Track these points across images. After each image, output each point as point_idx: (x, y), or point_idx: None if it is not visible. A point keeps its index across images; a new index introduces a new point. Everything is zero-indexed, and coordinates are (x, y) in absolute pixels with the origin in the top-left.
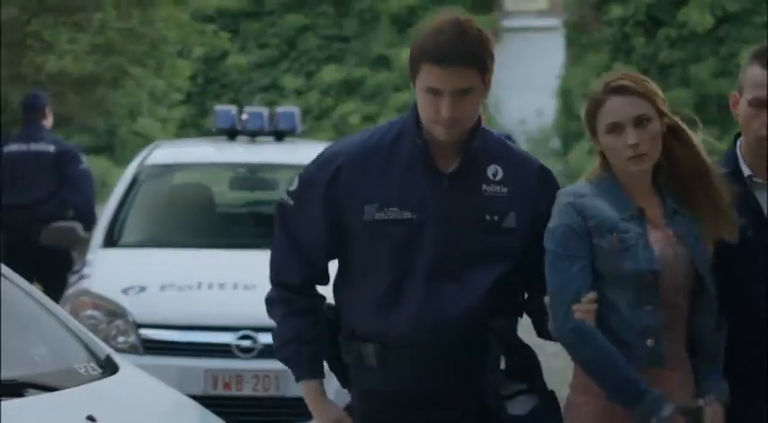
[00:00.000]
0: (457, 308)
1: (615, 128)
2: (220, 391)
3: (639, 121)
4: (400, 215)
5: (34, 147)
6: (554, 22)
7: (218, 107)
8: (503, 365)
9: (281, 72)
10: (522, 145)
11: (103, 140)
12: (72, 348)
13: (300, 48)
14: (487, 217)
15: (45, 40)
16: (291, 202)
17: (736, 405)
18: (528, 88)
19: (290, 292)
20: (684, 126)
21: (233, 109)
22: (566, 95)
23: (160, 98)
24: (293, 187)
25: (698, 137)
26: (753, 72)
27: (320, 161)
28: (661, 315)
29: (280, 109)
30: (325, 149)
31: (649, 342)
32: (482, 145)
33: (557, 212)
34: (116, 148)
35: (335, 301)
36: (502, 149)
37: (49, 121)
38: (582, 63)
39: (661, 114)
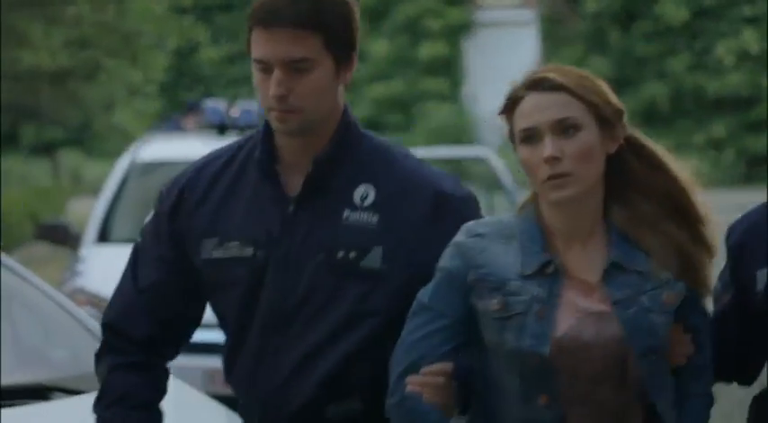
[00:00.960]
0: (286, 385)
1: (531, 136)
2: (218, 389)
3: (563, 128)
4: (240, 252)
5: None
6: (528, 15)
7: (208, 102)
8: None
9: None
10: (499, 139)
11: (76, 134)
12: (92, 350)
13: None
14: (340, 253)
15: (19, 34)
16: (141, 240)
17: None
18: (502, 81)
19: (126, 343)
20: (645, 139)
21: (223, 104)
22: None
23: (137, 90)
24: (147, 220)
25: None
26: None
27: (168, 184)
28: (558, 410)
29: None
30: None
31: None
32: (347, 156)
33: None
34: (90, 142)
35: None
36: (382, 163)
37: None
38: (556, 56)
39: (606, 123)
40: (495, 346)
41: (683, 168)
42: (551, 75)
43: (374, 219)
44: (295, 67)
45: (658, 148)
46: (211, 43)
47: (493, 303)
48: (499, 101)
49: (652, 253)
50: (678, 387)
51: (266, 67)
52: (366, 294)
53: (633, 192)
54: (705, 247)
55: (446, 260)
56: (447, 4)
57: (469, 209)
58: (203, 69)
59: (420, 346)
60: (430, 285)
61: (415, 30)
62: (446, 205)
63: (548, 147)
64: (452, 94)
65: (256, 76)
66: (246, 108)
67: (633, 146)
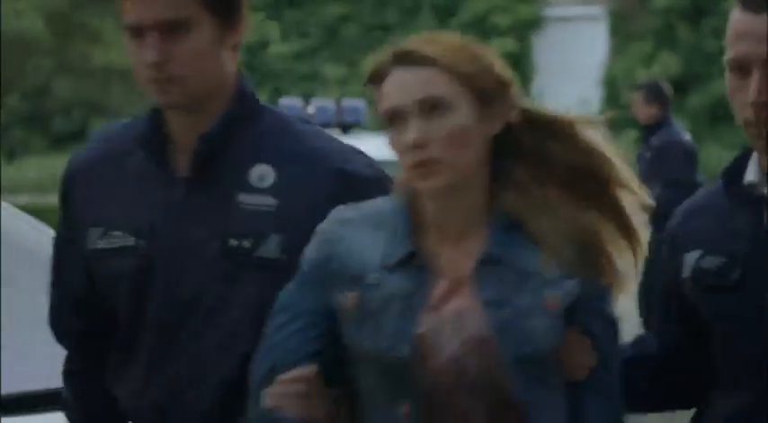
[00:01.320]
0: (182, 393)
1: (396, 118)
2: None
3: (429, 108)
4: (124, 242)
5: None
6: (597, 11)
7: (283, 100)
8: None
9: (322, 61)
10: None
11: None
12: None
13: (342, 37)
14: (233, 241)
15: (91, 31)
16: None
17: None
18: (571, 77)
19: (67, 344)
20: (543, 109)
21: (298, 102)
22: (610, 85)
23: None
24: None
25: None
26: (731, 20)
27: (66, 166)
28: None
29: (346, 102)
30: None
31: None
32: (242, 131)
33: None
34: None
35: None
36: (284, 140)
37: None
38: (626, 52)
39: (487, 99)
40: (353, 348)
41: (603, 140)
42: (419, 46)
43: (272, 202)
44: (169, 29)
45: (571, 117)
46: (281, 40)
47: (349, 298)
48: (569, 97)
49: (541, 241)
50: (576, 407)
51: (138, 33)
52: (263, 287)
53: (524, 173)
54: (621, 226)
55: (310, 251)
56: (516, 0)
57: (381, 193)
58: (273, 65)
59: (276, 350)
60: (293, 281)
61: (484, 26)
62: (353, 187)
63: (411, 130)
64: (522, 90)
65: (130, 46)
66: (322, 106)
67: (528, 119)
